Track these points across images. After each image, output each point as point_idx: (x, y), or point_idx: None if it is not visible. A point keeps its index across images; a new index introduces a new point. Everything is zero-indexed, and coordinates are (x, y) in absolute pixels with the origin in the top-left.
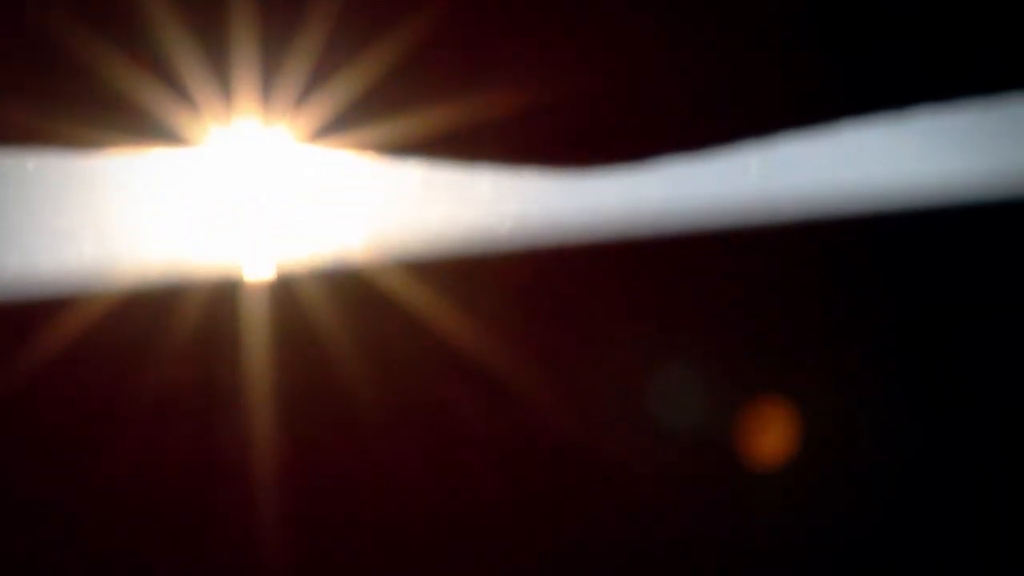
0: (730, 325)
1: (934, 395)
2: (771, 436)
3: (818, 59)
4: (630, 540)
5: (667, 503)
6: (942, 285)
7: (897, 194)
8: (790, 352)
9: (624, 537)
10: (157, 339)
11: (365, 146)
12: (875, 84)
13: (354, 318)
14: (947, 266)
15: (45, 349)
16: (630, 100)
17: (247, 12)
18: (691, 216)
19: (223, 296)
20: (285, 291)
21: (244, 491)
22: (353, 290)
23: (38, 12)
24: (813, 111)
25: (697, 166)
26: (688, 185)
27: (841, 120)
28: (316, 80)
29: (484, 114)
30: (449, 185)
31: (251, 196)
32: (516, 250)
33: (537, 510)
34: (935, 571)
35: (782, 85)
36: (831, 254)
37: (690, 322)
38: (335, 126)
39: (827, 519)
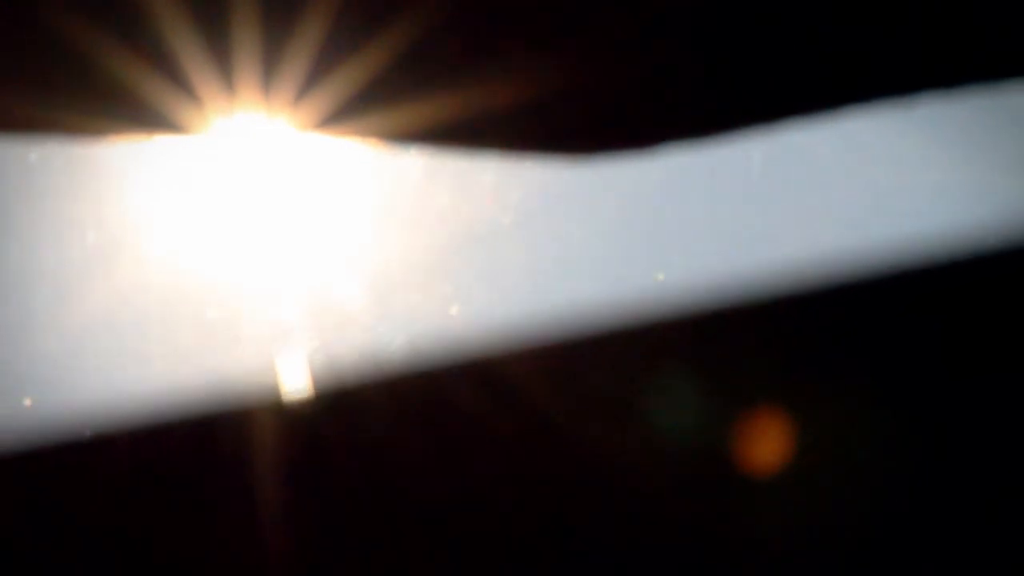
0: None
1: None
2: (769, 445)
3: (821, 46)
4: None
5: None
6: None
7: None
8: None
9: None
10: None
11: (368, 135)
12: (878, 72)
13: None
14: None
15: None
16: (633, 88)
17: (249, 1)
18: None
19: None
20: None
21: None
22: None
23: (39, 1)
24: (816, 99)
25: (701, 154)
26: (691, 174)
27: (844, 108)
28: (319, 68)
29: (487, 102)
30: (453, 174)
31: (254, 185)
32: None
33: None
34: None
35: (783, 73)
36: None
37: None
38: (338, 115)
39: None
